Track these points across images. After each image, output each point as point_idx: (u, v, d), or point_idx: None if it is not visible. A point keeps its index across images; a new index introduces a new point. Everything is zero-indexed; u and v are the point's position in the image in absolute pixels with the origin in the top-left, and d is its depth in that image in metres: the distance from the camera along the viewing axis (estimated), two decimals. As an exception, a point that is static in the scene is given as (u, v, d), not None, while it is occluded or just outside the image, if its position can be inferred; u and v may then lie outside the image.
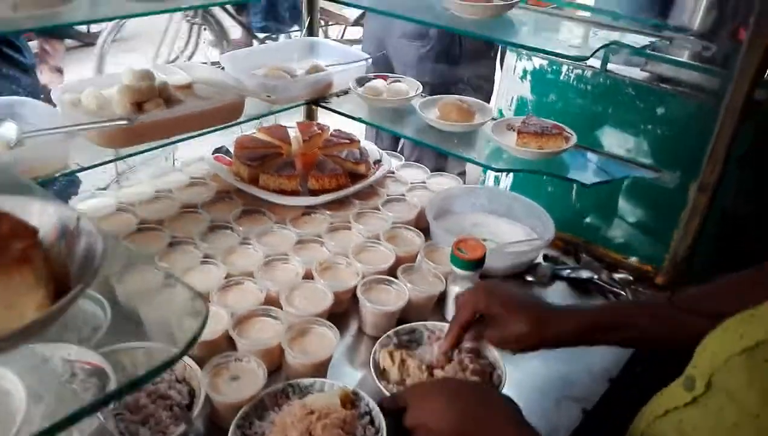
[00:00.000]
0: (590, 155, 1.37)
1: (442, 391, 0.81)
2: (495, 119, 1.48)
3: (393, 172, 1.65)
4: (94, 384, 0.86)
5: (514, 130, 1.42)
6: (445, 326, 1.12)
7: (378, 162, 1.64)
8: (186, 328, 0.59)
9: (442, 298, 1.24)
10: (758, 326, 0.65)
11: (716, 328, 0.71)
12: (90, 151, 1.21)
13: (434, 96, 1.57)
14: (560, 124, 1.39)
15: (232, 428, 0.92)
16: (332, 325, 1.10)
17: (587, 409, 1.09)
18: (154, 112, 1.21)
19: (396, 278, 1.23)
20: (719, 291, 0.88)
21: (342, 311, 1.24)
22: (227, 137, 1.61)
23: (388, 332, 1.09)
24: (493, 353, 1.05)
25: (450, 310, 1.24)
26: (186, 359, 1.02)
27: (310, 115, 1.89)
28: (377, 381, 1.00)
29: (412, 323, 1.13)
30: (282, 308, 1.14)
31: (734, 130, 1.23)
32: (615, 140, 1.42)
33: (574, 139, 1.36)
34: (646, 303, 0.95)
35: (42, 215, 0.58)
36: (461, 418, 0.75)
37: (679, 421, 0.72)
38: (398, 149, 2.27)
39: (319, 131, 1.69)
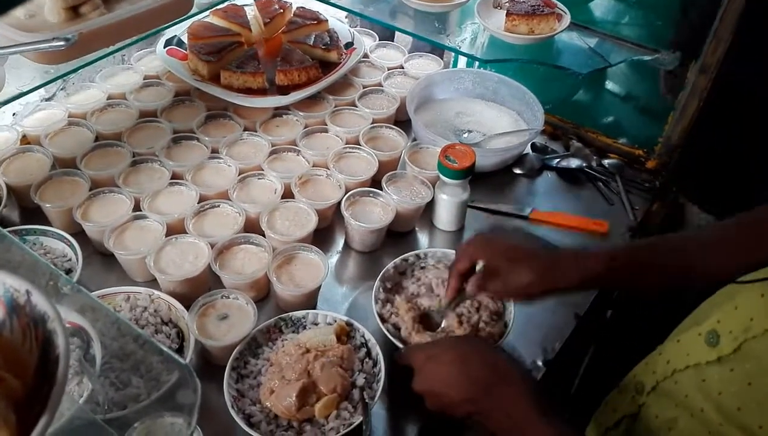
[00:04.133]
0: (584, 36, 1.25)
1: (450, 356, 0.77)
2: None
3: (367, 57, 1.50)
4: (77, 345, 0.82)
5: (501, 8, 1.28)
6: (438, 251, 1.08)
7: (350, 45, 1.48)
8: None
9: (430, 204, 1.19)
10: None
11: (746, 285, 0.67)
12: (29, 70, 1.06)
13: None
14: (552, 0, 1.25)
15: (227, 370, 0.90)
16: (319, 250, 1.04)
17: (579, 314, 1.09)
18: (94, 20, 1.04)
19: (380, 188, 1.16)
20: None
21: (326, 227, 1.18)
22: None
23: (384, 274, 1.03)
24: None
25: (441, 218, 1.19)
26: (169, 299, 0.98)
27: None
28: (382, 326, 0.96)
29: (401, 259, 1.07)
30: (263, 233, 1.08)
31: (744, 5, 1.12)
32: (610, 15, 1.29)
33: (567, 18, 1.23)
34: (659, 247, 0.85)
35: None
36: (470, 386, 0.73)
37: (701, 380, 0.70)
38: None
39: (281, 10, 1.52)
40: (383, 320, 0.97)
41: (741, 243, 0.77)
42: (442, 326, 0.96)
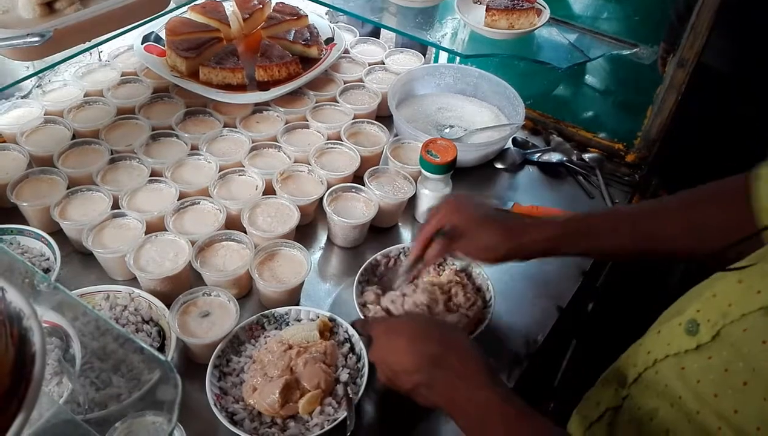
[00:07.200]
0: (564, 31, 1.25)
1: (406, 330, 0.77)
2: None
3: (348, 52, 1.50)
4: (56, 345, 0.80)
5: (481, 3, 1.29)
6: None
7: (330, 41, 1.48)
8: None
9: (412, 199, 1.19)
10: None
11: (725, 272, 0.68)
12: (3, 67, 1.04)
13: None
14: (531, -6, 1.26)
15: (209, 368, 0.89)
16: (302, 246, 1.04)
17: (562, 306, 1.10)
18: (69, 15, 1.02)
19: (363, 184, 1.16)
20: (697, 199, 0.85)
21: (308, 223, 1.17)
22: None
23: (365, 268, 1.04)
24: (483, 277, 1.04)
25: (423, 213, 1.19)
26: (150, 297, 0.97)
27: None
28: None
29: (384, 253, 1.08)
30: (245, 230, 1.07)
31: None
32: (589, 10, 1.30)
33: (546, 13, 1.23)
34: (612, 212, 0.94)
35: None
36: (422, 359, 0.73)
37: (681, 368, 0.71)
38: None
39: (260, 6, 1.51)
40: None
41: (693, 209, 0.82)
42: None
